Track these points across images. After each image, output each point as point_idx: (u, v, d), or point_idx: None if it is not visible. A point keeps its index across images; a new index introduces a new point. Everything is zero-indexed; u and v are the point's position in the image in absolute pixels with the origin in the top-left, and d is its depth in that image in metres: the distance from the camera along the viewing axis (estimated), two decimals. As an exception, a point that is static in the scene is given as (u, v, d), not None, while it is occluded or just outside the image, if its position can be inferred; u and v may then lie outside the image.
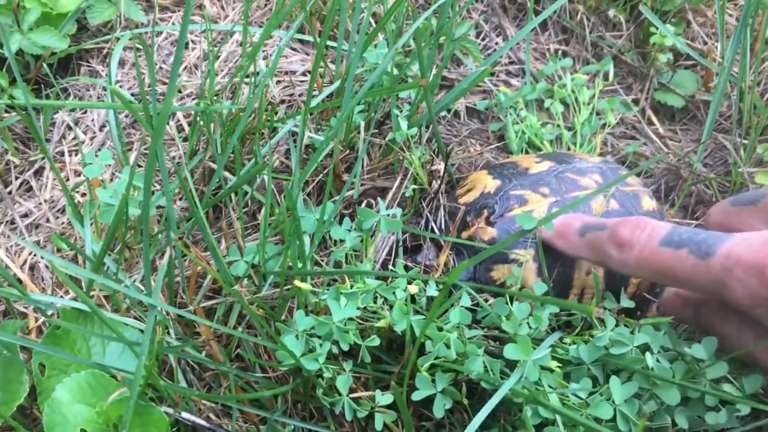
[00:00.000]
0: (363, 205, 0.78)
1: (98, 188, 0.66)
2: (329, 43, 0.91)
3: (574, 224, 0.63)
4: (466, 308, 0.61)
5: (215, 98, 0.79)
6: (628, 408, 0.55)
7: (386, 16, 0.68)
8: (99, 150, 0.84)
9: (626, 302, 0.62)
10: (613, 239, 0.57)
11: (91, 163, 0.67)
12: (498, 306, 0.61)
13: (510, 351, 0.55)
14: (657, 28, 0.94)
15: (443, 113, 0.92)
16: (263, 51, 0.91)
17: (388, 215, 0.68)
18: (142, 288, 0.66)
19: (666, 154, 0.92)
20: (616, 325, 0.60)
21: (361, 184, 0.79)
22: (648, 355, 0.55)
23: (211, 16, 0.98)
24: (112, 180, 0.80)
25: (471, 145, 0.90)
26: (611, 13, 1.01)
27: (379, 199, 0.69)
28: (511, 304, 0.61)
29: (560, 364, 0.57)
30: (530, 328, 0.59)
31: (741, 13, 0.83)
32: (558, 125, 0.90)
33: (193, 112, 0.77)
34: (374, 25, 0.87)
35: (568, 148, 0.89)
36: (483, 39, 1.01)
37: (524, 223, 0.62)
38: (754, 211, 0.56)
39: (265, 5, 0.99)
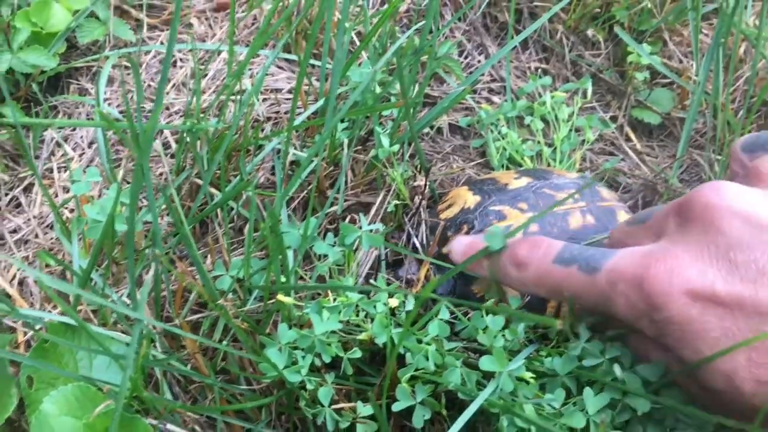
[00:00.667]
0: (346, 220, 0.80)
1: (86, 205, 0.67)
2: (314, 61, 0.94)
3: (478, 245, 0.65)
4: (446, 321, 0.63)
5: (202, 116, 0.80)
6: (602, 418, 0.57)
7: (368, 36, 0.70)
8: (88, 167, 0.85)
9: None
10: (511, 259, 0.60)
11: (78, 180, 0.68)
12: (475, 319, 0.63)
13: (485, 363, 0.57)
14: (633, 48, 0.96)
15: (426, 130, 0.94)
16: (249, 69, 0.93)
17: (370, 230, 0.70)
18: (129, 302, 0.67)
19: (635, 169, 0.94)
20: (591, 338, 0.62)
21: (345, 200, 0.81)
22: (616, 366, 0.57)
23: (198, 34, 1.00)
24: (100, 196, 0.81)
25: (453, 161, 0.92)
26: (590, 32, 1.04)
27: (360, 214, 0.70)
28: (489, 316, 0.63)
29: (535, 376, 0.59)
30: (506, 340, 0.61)
31: (714, 33, 0.86)
32: (538, 142, 0.92)
33: (180, 131, 0.78)
34: (358, 44, 0.89)
35: (548, 164, 0.91)
36: (466, 57, 1.04)
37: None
38: (643, 228, 0.58)
39: (253, 24, 1.02)
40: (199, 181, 0.78)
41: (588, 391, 0.57)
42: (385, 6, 0.91)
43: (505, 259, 0.60)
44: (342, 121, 0.82)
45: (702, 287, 0.48)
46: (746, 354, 0.46)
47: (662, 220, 0.55)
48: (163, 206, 0.78)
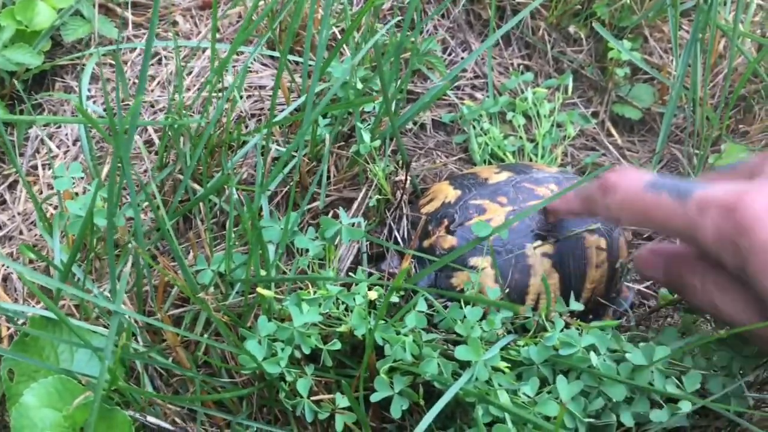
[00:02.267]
0: (329, 215, 0.80)
1: (68, 200, 0.68)
2: (298, 59, 0.94)
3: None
4: (425, 313, 0.64)
5: (185, 113, 0.81)
6: (574, 406, 0.57)
7: (348, 31, 0.71)
8: (71, 163, 0.85)
9: (575, 305, 0.65)
10: (601, 185, 0.60)
11: (61, 176, 0.69)
12: (453, 310, 0.64)
13: (461, 352, 0.58)
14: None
15: (409, 126, 0.95)
16: (234, 66, 0.94)
17: (351, 224, 0.70)
18: (110, 297, 0.68)
19: (614, 163, 0.95)
20: (567, 328, 0.63)
21: (328, 195, 0.82)
22: (593, 354, 0.58)
23: (183, 32, 1.01)
24: (84, 193, 0.82)
25: (436, 156, 0.93)
26: (572, 29, 1.05)
27: (341, 208, 0.71)
28: (467, 308, 0.64)
29: (510, 365, 0.60)
30: (483, 331, 0.62)
31: (692, 29, 0.87)
32: (520, 137, 0.93)
33: (162, 126, 0.79)
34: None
35: (530, 159, 0.92)
36: (449, 54, 1.05)
37: (480, 231, 0.65)
38: (732, 173, 0.59)
39: (237, 22, 1.02)
40: (182, 177, 0.78)
41: (561, 379, 0.58)
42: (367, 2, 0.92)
43: (594, 186, 0.61)
44: (324, 117, 0.83)
45: None
46: None
47: (757, 164, 0.56)
48: (146, 202, 0.79)
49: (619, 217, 0.59)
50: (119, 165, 0.55)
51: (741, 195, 0.51)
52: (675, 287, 0.61)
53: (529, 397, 0.58)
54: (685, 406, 0.58)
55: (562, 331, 0.60)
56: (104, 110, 0.89)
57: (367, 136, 0.77)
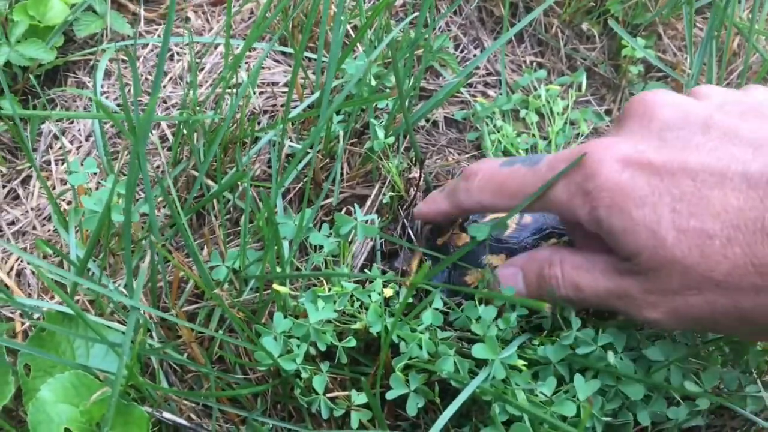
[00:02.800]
0: (342, 212, 0.80)
1: (83, 196, 0.68)
2: (310, 54, 0.94)
3: (438, 190, 0.71)
4: (440, 311, 0.64)
5: (198, 108, 0.81)
6: (586, 405, 0.57)
7: (363, 28, 0.71)
8: (85, 159, 0.86)
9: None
10: (463, 174, 0.65)
11: (76, 172, 0.69)
12: (468, 309, 0.64)
13: (478, 350, 0.58)
14: (627, 42, 0.97)
15: (422, 123, 0.95)
16: (246, 63, 0.94)
17: (365, 221, 0.70)
18: (125, 292, 0.68)
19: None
20: (584, 326, 0.62)
21: (341, 192, 0.82)
22: (610, 353, 0.58)
23: (195, 28, 1.00)
24: (97, 188, 0.82)
25: (449, 153, 0.93)
26: (585, 26, 1.05)
27: (356, 205, 0.71)
28: (482, 306, 0.64)
29: (527, 364, 0.60)
30: (499, 329, 0.62)
31: (707, 27, 0.86)
32: (533, 135, 0.93)
33: (176, 122, 0.79)
34: (354, 37, 0.90)
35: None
36: (461, 51, 1.04)
37: (477, 233, 0.64)
38: None
39: (249, 18, 1.02)
40: (196, 173, 0.78)
41: (579, 378, 0.58)
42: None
43: (457, 178, 0.66)
44: (338, 113, 0.82)
45: (634, 155, 0.52)
46: (670, 206, 0.50)
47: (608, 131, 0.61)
48: (160, 198, 0.79)
49: (480, 199, 0.62)
50: (136, 161, 0.55)
51: (585, 145, 0.54)
52: (539, 288, 0.62)
53: (546, 396, 0.58)
54: (703, 403, 0.58)
55: (579, 329, 0.60)
56: (117, 106, 0.89)
57: (381, 133, 0.77)
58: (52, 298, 0.72)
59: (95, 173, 0.82)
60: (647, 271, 0.52)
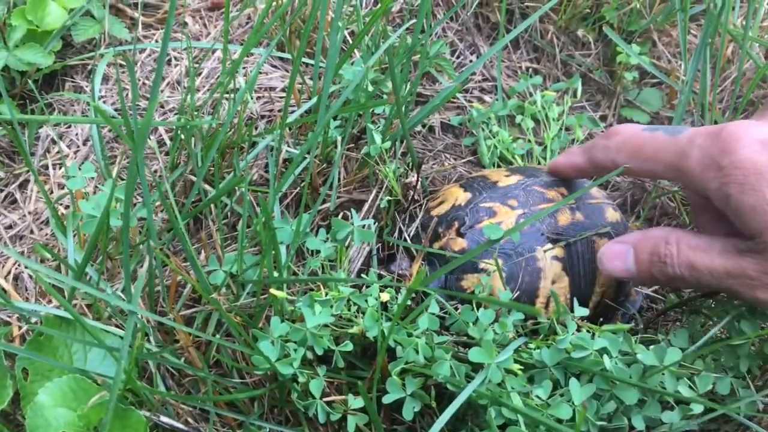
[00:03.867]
0: (339, 217, 0.81)
1: (81, 200, 0.68)
2: (308, 60, 0.95)
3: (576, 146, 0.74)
4: (437, 315, 0.64)
5: (196, 113, 0.81)
6: (581, 409, 0.58)
7: (360, 34, 0.71)
8: (83, 163, 0.86)
9: (580, 311, 0.65)
10: (605, 133, 0.66)
11: (74, 176, 0.69)
12: (465, 313, 0.64)
13: (474, 354, 0.58)
14: (622, 48, 0.98)
15: (419, 128, 0.95)
16: (244, 68, 0.94)
17: (362, 226, 0.70)
18: (123, 297, 0.68)
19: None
20: (578, 331, 0.63)
21: (338, 197, 0.82)
22: (606, 357, 0.58)
23: (193, 33, 1.01)
24: (95, 193, 0.82)
25: (445, 159, 0.94)
26: (580, 32, 1.05)
27: (352, 210, 0.71)
28: (478, 311, 0.64)
29: (523, 368, 0.60)
30: (496, 333, 0.62)
31: (701, 34, 0.87)
32: (529, 140, 0.93)
33: (174, 127, 0.79)
34: (351, 42, 0.90)
35: (539, 163, 0.92)
36: (458, 57, 1.05)
37: (491, 234, 0.65)
38: None
39: (247, 23, 1.02)
40: (193, 178, 0.79)
41: (574, 382, 0.58)
42: (378, 6, 0.92)
43: (598, 136, 0.67)
44: (335, 119, 0.83)
45: None
46: None
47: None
48: (158, 202, 0.79)
49: (615, 158, 0.64)
50: (135, 166, 0.55)
51: (728, 124, 0.56)
52: (650, 268, 0.63)
53: (541, 399, 0.58)
54: (697, 408, 0.59)
55: (574, 334, 0.61)
56: (115, 110, 0.90)
57: (378, 138, 0.78)
58: (50, 302, 0.72)
59: (93, 178, 0.82)
60: None
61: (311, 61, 0.94)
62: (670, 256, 0.60)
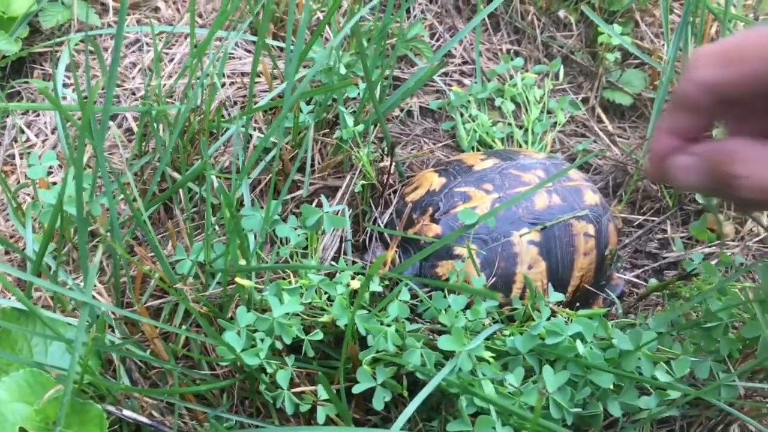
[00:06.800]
0: (314, 204, 0.79)
1: (42, 190, 0.66)
2: (281, 44, 0.92)
3: None
4: (409, 303, 0.62)
5: (167, 100, 0.79)
6: (561, 395, 0.56)
7: (329, 13, 0.69)
8: (48, 152, 0.84)
9: (555, 296, 0.63)
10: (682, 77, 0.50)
11: (34, 165, 0.67)
12: (437, 300, 0.62)
13: (444, 342, 0.57)
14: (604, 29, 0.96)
15: (396, 113, 0.93)
16: (219, 54, 0.92)
17: (335, 212, 0.69)
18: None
19: (604, 150, 0.94)
20: (553, 316, 0.61)
21: (312, 184, 0.80)
22: (579, 342, 0.56)
23: (165, 18, 0.99)
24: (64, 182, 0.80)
25: (423, 143, 0.92)
26: (561, 13, 1.03)
27: (323, 195, 0.70)
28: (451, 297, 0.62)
29: (496, 356, 0.58)
30: (468, 320, 0.60)
31: (682, 12, 0.85)
32: (509, 124, 0.91)
33: (141, 114, 0.77)
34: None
35: (520, 146, 0.90)
36: (437, 40, 1.03)
37: (466, 219, 0.63)
38: None
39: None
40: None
41: (547, 369, 0.56)
42: (354, -12, 0.90)
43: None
44: (308, 103, 0.81)
45: None
46: None
47: None
48: (122, 194, 0.77)
49: (704, 78, 0.48)
50: (92, 154, 0.53)
51: None
52: (717, 186, 0.51)
53: (514, 387, 0.57)
54: (674, 393, 0.57)
55: (548, 319, 0.59)
56: (84, 98, 0.87)
57: (350, 120, 0.76)
58: (12, 294, 0.70)
59: (60, 166, 0.80)
60: None
61: (284, 44, 0.91)
62: (741, 178, 0.48)
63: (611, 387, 0.57)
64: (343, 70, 0.79)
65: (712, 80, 0.47)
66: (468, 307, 0.62)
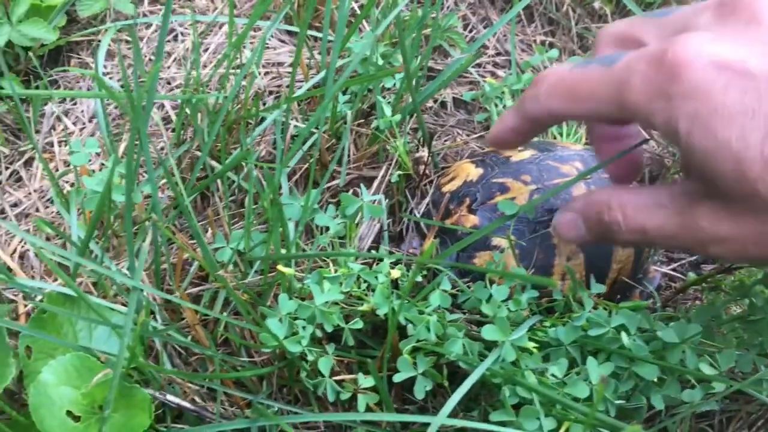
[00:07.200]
0: (349, 194, 0.79)
1: (85, 176, 0.66)
2: (316, 33, 0.92)
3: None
4: (448, 293, 0.62)
5: (203, 89, 0.79)
6: (599, 385, 0.56)
7: (368, 5, 0.69)
8: (87, 139, 0.85)
9: (596, 287, 0.63)
10: (532, 82, 0.56)
11: (77, 151, 0.68)
12: (478, 290, 0.62)
13: (488, 332, 0.57)
14: (641, 19, 0.95)
15: (430, 104, 0.93)
16: (251, 42, 0.92)
17: (372, 201, 0.69)
18: (128, 274, 0.67)
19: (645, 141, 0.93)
20: (595, 308, 0.61)
21: (348, 174, 0.80)
22: (624, 334, 0.56)
23: (200, 8, 0.99)
24: (101, 170, 0.80)
25: (457, 135, 0.91)
26: (597, 4, 1.02)
27: (362, 185, 0.70)
28: (491, 288, 0.62)
29: (538, 346, 0.58)
30: (510, 311, 0.60)
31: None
32: (543, 115, 0.90)
33: (180, 103, 0.77)
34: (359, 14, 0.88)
35: (554, 138, 0.90)
36: (470, 31, 1.02)
37: (506, 209, 0.63)
38: (660, 22, 0.53)
39: (254, -2, 1.00)
40: (200, 154, 0.77)
41: (591, 360, 0.56)
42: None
43: (527, 88, 0.57)
44: (344, 93, 0.81)
45: (732, 59, 0.43)
46: (763, 132, 0.42)
47: (691, 16, 0.50)
48: (164, 179, 0.77)
49: (548, 105, 0.53)
50: (137, 140, 0.54)
51: (669, 43, 0.45)
52: (600, 235, 0.56)
53: (557, 378, 0.57)
54: (719, 387, 0.57)
55: (590, 311, 0.59)
56: (120, 86, 0.88)
57: (387, 110, 0.75)
58: (56, 280, 0.71)
59: (98, 154, 0.81)
60: (724, 197, 0.46)
61: (320, 35, 0.91)
62: (617, 224, 0.53)
63: (654, 380, 0.57)
64: (380, 61, 0.79)
65: (556, 111, 0.53)
66: (508, 298, 0.62)
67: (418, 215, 0.77)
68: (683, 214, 0.49)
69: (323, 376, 0.60)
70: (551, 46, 1.02)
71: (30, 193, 0.80)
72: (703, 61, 0.43)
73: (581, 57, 0.97)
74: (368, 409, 0.61)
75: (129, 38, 0.93)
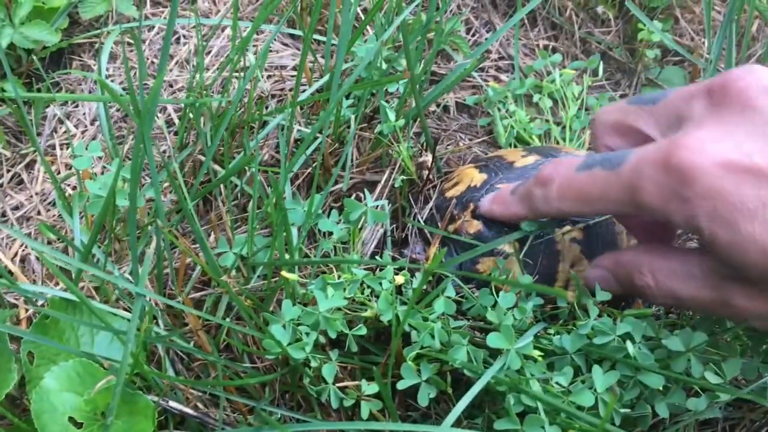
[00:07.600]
0: (352, 198, 0.79)
1: (87, 180, 0.66)
2: (319, 37, 0.92)
3: (507, 188, 0.66)
4: (452, 299, 0.62)
5: (205, 92, 0.79)
6: (610, 396, 0.56)
7: (372, 10, 0.69)
8: (90, 143, 0.84)
9: (601, 295, 0.63)
10: (537, 180, 0.59)
11: (80, 155, 0.68)
12: (483, 296, 0.62)
13: (493, 339, 0.56)
14: (644, 25, 0.95)
15: (432, 108, 0.93)
16: (254, 46, 0.92)
17: (375, 207, 0.68)
18: (131, 279, 0.67)
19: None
20: (600, 316, 0.61)
21: (351, 178, 0.80)
22: (629, 343, 0.56)
23: (202, 11, 0.99)
24: (103, 173, 0.80)
25: (460, 139, 0.91)
26: (600, 9, 1.02)
27: (365, 191, 0.69)
28: (497, 295, 0.62)
29: (543, 354, 0.58)
30: (515, 318, 0.60)
31: (727, 10, 0.84)
32: (547, 120, 0.91)
33: (183, 106, 0.77)
34: (363, 19, 0.88)
35: (557, 143, 0.90)
36: (473, 35, 1.02)
37: (527, 227, 0.63)
38: (653, 110, 0.55)
39: (257, 0, 1.00)
40: (203, 158, 0.77)
41: (597, 369, 0.56)
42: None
43: (531, 183, 0.60)
44: (347, 97, 0.81)
45: (738, 158, 0.45)
46: None
47: (682, 105, 0.52)
48: (166, 183, 0.77)
49: (560, 207, 0.57)
50: (141, 144, 0.53)
51: (673, 146, 0.47)
52: (633, 293, 0.59)
53: (562, 386, 0.56)
54: (725, 395, 0.57)
55: (596, 319, 0.59)
56: (123, 89, 0.88)
57: (391, 115, 0.75)
58: (57, 284, 0.71)
59: (100, 157, 0.80)
60: (756, 282, 0.48)
61: (323, 38, 0.91)
62: (649, 288, 0.56)
63: (659, 388, 0.57)
64: (383, 65, 0.79)
65: (567, 211, 0.57)
66: (514, 305, 0.61)
67: (421, 220, 0.77)
68: (717, 289, 0.51)
69: (326, 382, 0.60)
70: (554, 50, 1.02)
71: (31, 196, 0.80)
72: (710, 163, 0.46)
73: (583, 62, 0.97)
74: (371, 416, 0.60)
75: (131, 41, 0.93)
